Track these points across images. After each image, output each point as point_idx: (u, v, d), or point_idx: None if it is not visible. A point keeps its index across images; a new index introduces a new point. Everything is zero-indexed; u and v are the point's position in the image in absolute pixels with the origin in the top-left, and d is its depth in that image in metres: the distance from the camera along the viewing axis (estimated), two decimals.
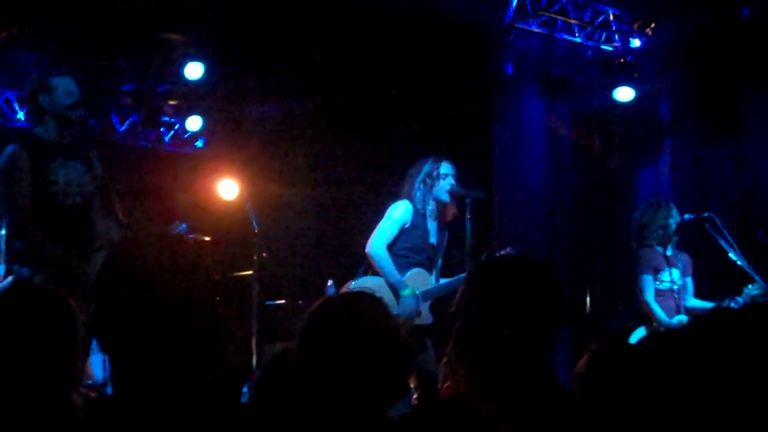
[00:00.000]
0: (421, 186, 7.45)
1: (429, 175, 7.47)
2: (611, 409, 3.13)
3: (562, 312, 3.14)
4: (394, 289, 7.17)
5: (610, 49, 10.36)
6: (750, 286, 7.74)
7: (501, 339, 2.97)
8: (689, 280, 8.29)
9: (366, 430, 2.83)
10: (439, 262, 7.63)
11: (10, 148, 6.01)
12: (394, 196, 7.57)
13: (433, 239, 7.50)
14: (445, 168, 7.51)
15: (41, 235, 5.95)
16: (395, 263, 7.30)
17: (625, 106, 10.45)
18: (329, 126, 11.18)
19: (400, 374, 2.98)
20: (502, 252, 7.48)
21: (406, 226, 7.38)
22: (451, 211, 7.53)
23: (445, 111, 10.51)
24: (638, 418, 3.15)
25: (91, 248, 6.14)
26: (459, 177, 7.52)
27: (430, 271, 7.49)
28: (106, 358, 8.01)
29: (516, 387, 2.95)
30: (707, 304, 8.10)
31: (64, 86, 6.18)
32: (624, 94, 10.24)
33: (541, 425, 2.88)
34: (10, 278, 6.07)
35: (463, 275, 7.27)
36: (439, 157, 7.59)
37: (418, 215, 7.42)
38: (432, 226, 7.51)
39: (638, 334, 7.81)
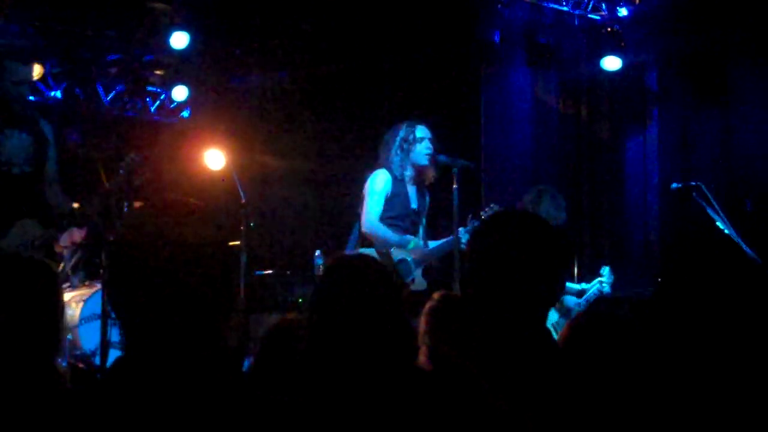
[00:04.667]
0: (398, 152, 7.43)
1: (405, 140, 7.45)
2: (591, 380, 3.14)
3: (566, 266, 3.16)
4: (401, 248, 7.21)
5: (598, 17, 10.35)
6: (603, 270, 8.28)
7: (508, 294, 2.98)
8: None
9: (371, 392, 2.83)
10: (423, 226, 7.62)
11: None
12: (371, 165, 7.56)
13: (414, 204, 7.49)
14: (421, 131, 7.50)
15: None
16: None
17: (613, 75, 10.44)
18: (315, 95, 11.15)
19: (405, 339, 3.00)
20: (487, 209, 7.44)
21: (387, 195, 7.38)
22: (431, 174, 7.51)
23: (432, 80, 10.49)
24: (617, 387, 3.16)
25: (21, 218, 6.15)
26: (436, 141, 7.52)
27: (415, 236, 7.49)
28: (97, 328, 8.06)
29: (519, 343, 2.96)
30: (575, 286, 8.34)
31: (16, 73, 6.19)
32: (611, 63, 10.23)
33: (537, 384, 2.89)
34: None
35: (450, 238, 7.30)
36: (414, 121, 7.58)
37: (397, 182, 7.40)
38: (412, 191, 7.50)
39: None
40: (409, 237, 7.29)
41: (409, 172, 7.46)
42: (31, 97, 11.12)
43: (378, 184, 7.38)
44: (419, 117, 7.54)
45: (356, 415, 2.75)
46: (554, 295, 3.13)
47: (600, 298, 8.17)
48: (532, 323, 3.01)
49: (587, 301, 8.06)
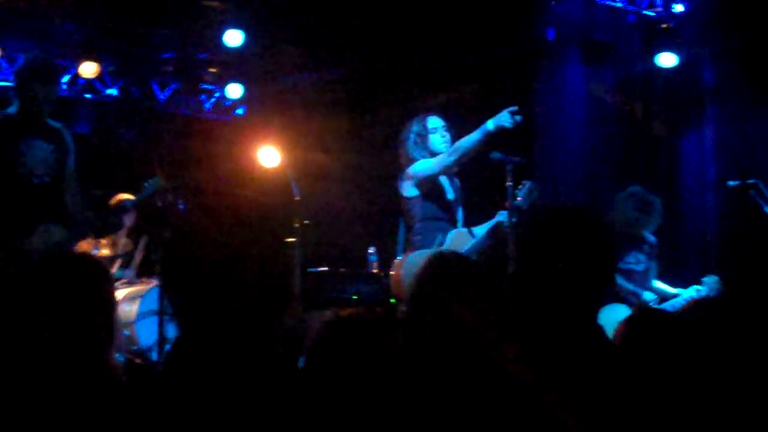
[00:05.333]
0: (414, 147, 7.45)
1: (418, 134, 7.48)
2: (646, 377, 3.12)
3: (613, 263, 3.15)
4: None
5: (653, 14, 10.27)
6: (706, 278, 8.06)
7: (557, 291, 2.98)
8: (654, 264, 8.37)
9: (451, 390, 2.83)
10: (461, 214, 7.61)
11: None
12: (396, 168, 7.58)
13: (450, 195, 7.52)
14: (433, 122, 7.53)
15: None
16: (431, 231, 7.31)
17: (668, 71, 10.35)
18: (369, 92, 11.15)
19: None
20: (520, 186, 7.40)
21: (425, 192, 7.38)
22: None
23: (485, 78, 10.46)
24: (672, 386, 3.14)
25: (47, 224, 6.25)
26: (449, 129, 7.53)
27: (456, 225, 7.48)
28: (154, 324, 8.13)
29: (571, 340, 2.95)
30: (669, 291, 8.28)
31: (43, 94, 6.27)
32: (666, 59, 10.15)
33: (591, 382, 2.88)
34: None
35: (492, 221, 7.36)
36: (425, 113, 7.60)
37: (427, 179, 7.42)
38: (444, 180, 7.51)
39: (614, 310, 7.77)
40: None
41: None
42: (88, 95, 11.27)
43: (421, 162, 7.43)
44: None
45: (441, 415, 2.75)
46: (603, 292, 3.11)
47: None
48: (583, 320, 3.00)
49: (673, 306, 7.93)
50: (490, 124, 7.08)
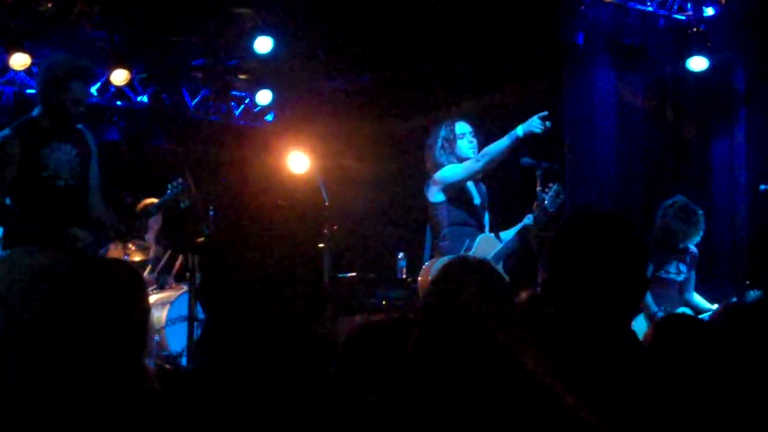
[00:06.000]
0: (442, 152, 7.43)
1: (446, 139, 7.47)
2: (676, 380, 3.11)
3: (645, 268, 3.14)
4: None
5: (683, 17, 10.21)
6: (751, 292, 8.11)
7: (590, 296, 2.96)
8: (693, 274, 8.34)
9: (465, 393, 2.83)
10: (488, 219, 7.59)
11: (5, 133, 6.16)
12: (423, 174, 7.57)
13: (477, 200, 7.50)
14: (461, 127, 7.51)
15: (17, 215, 6.12)
16: (459, 236, 7.30)
17: (699, 75, 10.29)
18: (398, 98, 11.16)
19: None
20: (547, 189, 7.37)
21: (452, 197, 7.37)
22: None
23: (515, 82, 10.44)
24: (701, 390, 3.13)
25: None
26: (477, 135, 7.52)
27: (483, 231, 7.46)
28: (183, 330, 8.16)
29: (604, 345, 2.94)
30: (706, 304, 8.26)
31: (79, 93, 6.29)
32: (697, 63, 10.09)
33: (624, 386, 2.86)
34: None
35: (520, 225, 7.39)
36: (452, 118, 7.58)
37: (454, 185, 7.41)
38: (471, 185, 7.49)
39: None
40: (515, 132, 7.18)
41: None
42: (119, 102, 11.34)
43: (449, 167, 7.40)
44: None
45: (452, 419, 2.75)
46: (637, 297, 3.10)
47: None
48: (616, 325, 2.99)
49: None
50: (519, 130, 7.07)
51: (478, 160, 7.28)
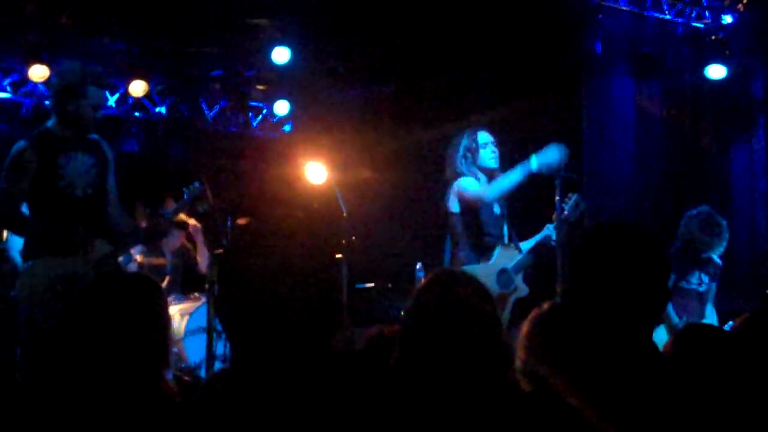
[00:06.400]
0: (463, 161, 7.41)
1: (468, 148, 7.44)
2: (696, 391, 3.09)
3: (666, 279, 3.12)
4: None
5: (701, 26, 10.20)
6: None
7: (611, 307, 2.95)
8: (714, 286, 8.29)
9: (461, 405, 2.82)
10: (507, 228, 7.56)
11: (21, 144, 6.15)
12: (442, 184, 7.55)
13: (497, 210, 7.46)
14: (483, 137, 7.48)
15: (36, 225, 6.13)
16: (479, 247, 7.28)
17: (717, 83, 10.26)
18: (416, 109, 11.16)
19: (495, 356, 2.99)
20: (566, 198, 7.35)
21: (474, 207, 7.34)
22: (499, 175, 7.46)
23: (533, 91, 10.43)
24: (720, 401, 3.11)
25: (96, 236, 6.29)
26: (498, 144, 7.50)
27: (503, 240, 7.45)
28: (202, 341, 8.16)
29: (625, 356, 2.93)
30: (715, 321, 8.16)
31: (96, 99, 6.29)
32: (716, 71, 10.06)
33: (644, 397, 2.85)
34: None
35: (540, 235, 7.40)
36: (475, 127, 7.56)
37: None
38: None
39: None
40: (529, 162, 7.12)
41: (482, 178, 7.42)
42: (137, 114, 11.37)
43: (469, 182, 7.38)
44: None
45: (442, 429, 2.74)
46: (659, 308, 3.09)
47: None
48: (637, 336, 2.97)
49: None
50: (533, 164, 7.02)
51: (490, 192, 7.25)
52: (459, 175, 7.41)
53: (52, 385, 2.96)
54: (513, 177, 7.15)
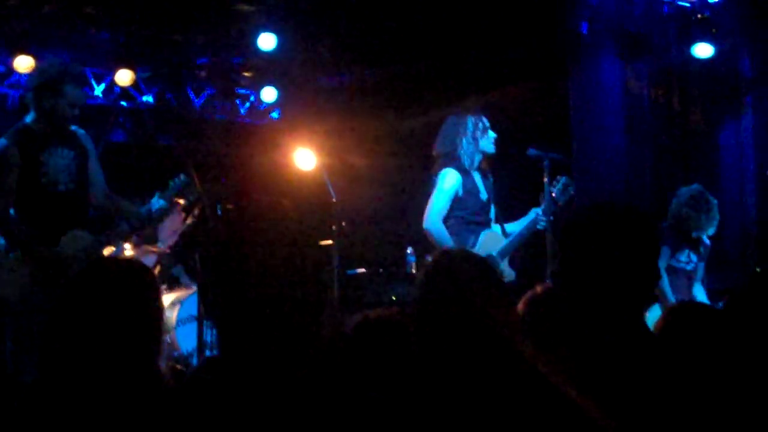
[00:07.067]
0: (470, 144, 7.39)
1: (475, 131, 7.42)
2: (687, 370, 3.09)
3: (657, 257, 3.12)
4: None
5: (688, 4, 10.17)
6: None
7: (602, 287, 2.95)
8: (702, 265, 8.36)
9: (464, 389, 2.81)
10: (494, 212, 7.56)
11: (2, 141, 6.22)
12: (432, 161, 7.53)
13: (483, 195, 7.45)
14: (486, 121, 7.48)
15: (15, 222, 6.19)
16: (463, 232, 7.27)
17: (704, 62, 10.25)
18: (403, 93, 11.14)
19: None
20: (554, 181, 7.36)
21: (459, 194, 7.32)
22: (490, 159, 7.55)
23: (519, 73, 10.42)
24: (712, 379, 3.11)
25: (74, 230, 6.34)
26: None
27: (489, 226, 7.44)
28: (194, 330, 8.16)
29: (617, 336, 2.93)
30: (706, 299, 8.25)
31: (73, 97, 6.34)
32: (702, 50, 10.05)
33: (637, 378, 2.85)
34: None
35: (526, 219, 7.42)
36: (476, 110, 7.55)
37: (466, 177, 7.37)
38: (478, 179, 7.46)
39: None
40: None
41: (476, 161, 7.41)
42: (124, 103, 11.34)
43: (448, 182, 7.33)
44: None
45: (452, 414, 2.73)
46: (649, 287, 3.09)
47: None
48: (628, 316, 2.98)
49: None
50: None
51: (433, 229, 7.29)
52: (458, 156, 7.37)
53: (45, 372, 2.96)
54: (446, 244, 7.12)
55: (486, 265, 3.08)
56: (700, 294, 8.26)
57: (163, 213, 7.08)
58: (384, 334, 3.44)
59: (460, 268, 2.98)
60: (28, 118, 6.36)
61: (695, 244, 8.16)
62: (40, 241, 6.17)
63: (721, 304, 7.89)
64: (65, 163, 6.33)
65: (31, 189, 6.22)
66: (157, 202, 6.94)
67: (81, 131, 6.53)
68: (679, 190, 8.25)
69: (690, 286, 8.18)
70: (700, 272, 8.31)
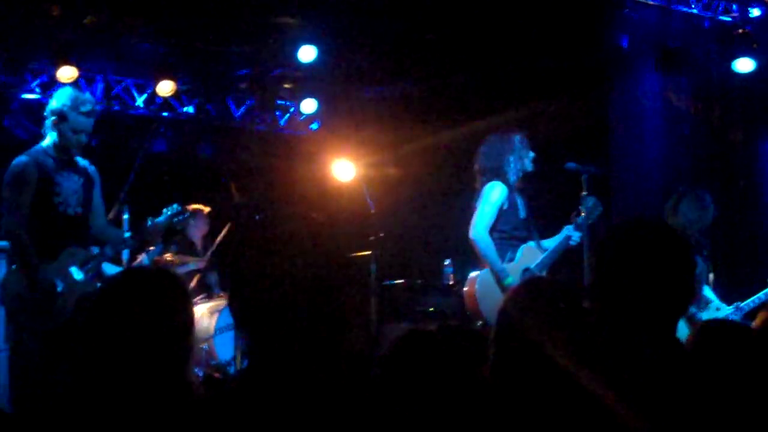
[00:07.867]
0: (516, 162, 7.42)
1: (521, 150, 7.45)
2: (715, 385, 3.08)
3: (692, 275, 3.11)
4: (497, 277, 7.16)
5: (729, 19, 10.14)
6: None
7: (636, 303, 2.95)
8: (706, 267, 8.29)
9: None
10: (533, 230, 7.56)
11: (23, 159, 6.57)
12: (477, 175, 7.54)
13: (523, 213, 7.48)
14: (527, 140, 7.54)
15: (28, 240, 6.45)
16: (504, 246, 7.29)
17: (745, 77, 10.21)
18: (443, 105, 11.15)
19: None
20: (582, 199, 7.37)
21: (504, 207, 7.34)
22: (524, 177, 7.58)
23: (560, 87, 10.41)
24: (741, 396, 3.10)
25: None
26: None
27: (529, 241, 7.46)
28: (232, 339, 8.21)
29: (650, 352, 2.93)
30: (715, 299, 8.15)
31: (77, 124, 6.63)
32: (744, 65, 10.01)
33: (668, 392, 2.85)
34: None
35: (559, 236, 7.44)
36: (520, 131, 7.58)
37: (511, 194, 7.39)
38: (518, 198, 7.48)
39: None
40: (506, 272, 7.19)
41: (518, 179, 7.45)
42: (165, 113, 11.43)
43: (495, 194, 7.36)
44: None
45: None
46: (684, 305, 3.08)
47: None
48: (661, 333, 2.97)
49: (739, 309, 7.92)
50: (506, 281, 7.19)
51: (480, 241, 7.31)
52: (504, 173, 7.40)
53: (78, 380, 2.98)
54: (491, 258, 7.25)
55: (568, 294, 3.12)
56: (712, 298, 8.19)
57: (146, 239, 7.33)
58: (427, 348, 3.44)
59: (542, 298, 3.03)
60: (44, 143, 6.70)
61: (699, 248, 8.08)
62: (41, 254, 6.45)
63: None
64: (75, 188, 6.70)
65: (44, 208, 6.54)
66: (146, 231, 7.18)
67: (87, 162, 6.87)
68: (672, 201, 8.16)
69: (700, 290, 8.08)
70: (708, 274, 8.24)
